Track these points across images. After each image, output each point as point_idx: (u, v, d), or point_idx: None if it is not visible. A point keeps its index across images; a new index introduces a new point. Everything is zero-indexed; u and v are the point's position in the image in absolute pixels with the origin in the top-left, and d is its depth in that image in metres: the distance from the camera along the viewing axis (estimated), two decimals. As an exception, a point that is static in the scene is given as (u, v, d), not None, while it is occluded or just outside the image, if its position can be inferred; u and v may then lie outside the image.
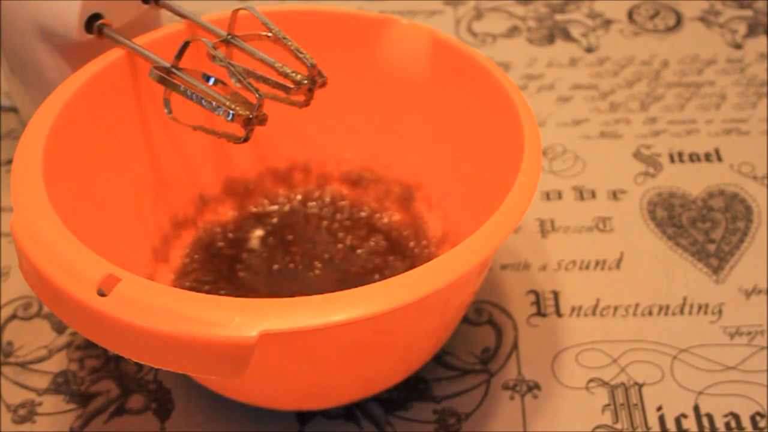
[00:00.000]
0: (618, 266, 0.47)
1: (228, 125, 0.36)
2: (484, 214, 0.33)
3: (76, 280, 0.30)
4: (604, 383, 0.41)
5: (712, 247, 0.47)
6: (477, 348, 0.43)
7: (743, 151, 0.53)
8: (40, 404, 0.41)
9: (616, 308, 0.44)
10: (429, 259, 0.44)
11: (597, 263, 0.47)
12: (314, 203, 0.48)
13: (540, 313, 0.44)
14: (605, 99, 0.57)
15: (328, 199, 0.48)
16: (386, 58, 0.44)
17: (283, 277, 0.45)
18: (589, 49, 0.60)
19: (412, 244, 0.46)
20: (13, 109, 0.57)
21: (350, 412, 0.40)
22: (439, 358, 0.42)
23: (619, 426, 0.40)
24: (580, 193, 0.50)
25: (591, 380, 0.41)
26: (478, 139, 0.42)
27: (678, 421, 0.40)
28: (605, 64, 0.59)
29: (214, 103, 0.35)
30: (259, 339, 0.28)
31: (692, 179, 0.51)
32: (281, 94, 0.38)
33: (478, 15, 0.64)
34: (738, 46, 0.60)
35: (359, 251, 0.46)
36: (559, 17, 0.63)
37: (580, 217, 0.49)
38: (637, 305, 0.45)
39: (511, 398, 0.41)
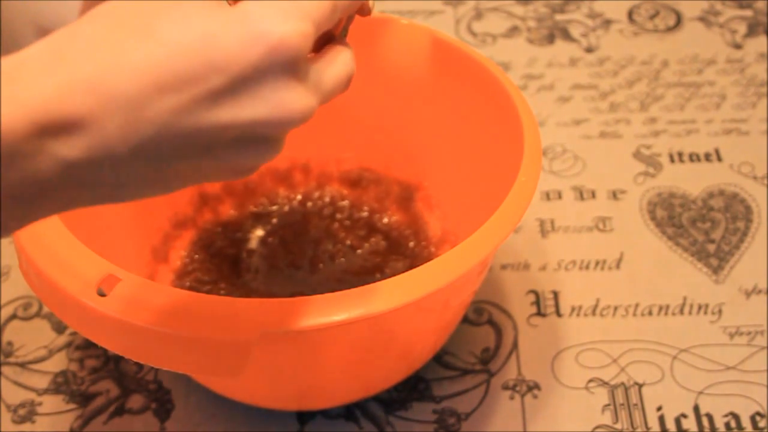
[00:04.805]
0: (618, 266, 0.46)
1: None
2: (484, 214, 0.33)
3: (76, 280, 0.30)
4: (604, 383, 0.41)
5: (712, 247, 0.47)
6: (477, 348, 0.43)
7: (743, 151, 0.53)
8: (40, 404, 0.41)
9: (616, 308, 0.44)
10: (429, 259, 0.44)
11: (597, 263, 0.47)
12: (314, 203, 0.48)
13: (540, 313, 0.44)
14: (605, 99, 0.57)
15: (328, 199, 0.48)
16: (386, 58, 0.44)
17: (283, 277, 0.45)
18: (589, 49, 0.60)
19: (412, 244, 0.46)
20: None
21: (350, 412, 0.40)
22: (439, 358, 0.42)
23: (619, 426, 0.40)
24: (580, 193, 0.50)
25: (591, 380, 0.41)
26: (478, 139, 0.42)
27: (678, 421, 0.40)
28: (605, 64, 0.59)
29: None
30: (259, 339, 0.28)
31: (692, 179, 0.51)
32: (281, 94, 0.38)
33: (478, 15, 0.64)
34: (738, 46, 0.60)
35: (359, 251, 0.46)
36: (559, 17, 0.63)
37: (580, 217, 0.49)
38: (637, 305, 0.45)
39: (511, 398, 0.41)
